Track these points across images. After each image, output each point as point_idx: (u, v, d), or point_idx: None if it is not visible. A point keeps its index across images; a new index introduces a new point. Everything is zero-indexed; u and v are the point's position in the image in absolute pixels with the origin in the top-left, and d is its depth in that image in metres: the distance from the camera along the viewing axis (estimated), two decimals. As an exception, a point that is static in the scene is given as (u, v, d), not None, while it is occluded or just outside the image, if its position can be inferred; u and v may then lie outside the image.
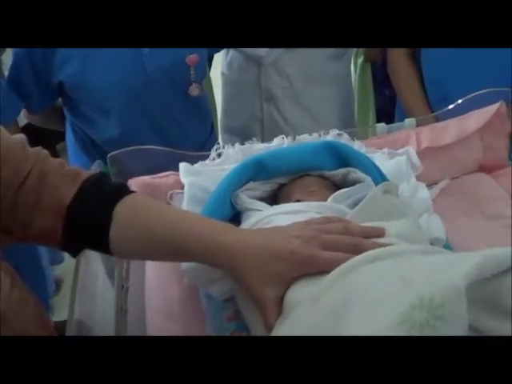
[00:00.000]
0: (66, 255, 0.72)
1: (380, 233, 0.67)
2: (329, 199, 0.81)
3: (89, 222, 0.68)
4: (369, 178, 0.84)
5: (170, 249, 0.69)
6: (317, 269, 0.62)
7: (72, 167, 0.71)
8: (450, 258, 0.61)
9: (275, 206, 0.82)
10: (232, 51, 1.55)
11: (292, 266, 0.63)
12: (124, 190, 0.71)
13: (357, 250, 0.63)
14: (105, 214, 0.68)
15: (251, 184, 0.87)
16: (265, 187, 0.88)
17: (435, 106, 1.32)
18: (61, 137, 1.70)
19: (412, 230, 0.71)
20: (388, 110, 1.78)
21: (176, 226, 0.68)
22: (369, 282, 0.57)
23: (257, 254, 0.64)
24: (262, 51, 1.45)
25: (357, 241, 0.65)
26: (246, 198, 0.84)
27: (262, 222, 0.77)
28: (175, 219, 0.70)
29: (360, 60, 1.80)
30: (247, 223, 0.79)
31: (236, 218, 0.86)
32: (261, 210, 0.81)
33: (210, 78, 1.77)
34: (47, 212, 0.67)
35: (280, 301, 0.63)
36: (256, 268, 0.63)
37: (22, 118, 1.47)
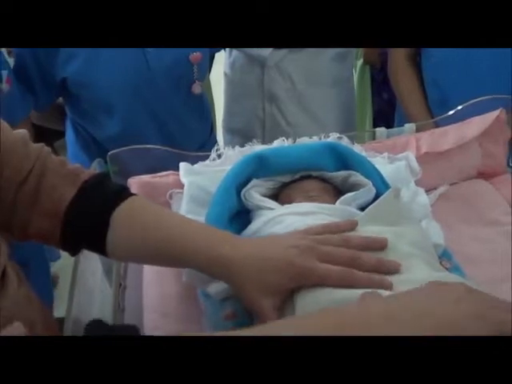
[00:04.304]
0: (63, 252, 0.72)
1: (381, 245, 0.66)
2: (337, 202, 0.82)
3: (86, 225, 0.68)
4: (370, 183, 0.84)
5: (166, 257, 0.69)
6: (312, 282, 0.61)
7: (73, 166, 0.71)
8: None
9: (286, 206, 0.82)
10: (235, 51, 1.55)
11: (289, 277, 0.62)
12: (124, 194, 0.71)
13: (354, 264, 0.62)
14: (102, 219, 0.68)
15: (255, 181, 0.86)
16: (268, 184, 0.88)
17: (435, 110, 1.32)
18: (59, 134, 1.70)
19: (422, 236, 0.72)
20: (386, 114, 1.79)
21: (173, 235, 0.68)
22: None
23: (254, 264, 0.63)
24: (265, 52, 1.45)
25: (354, 254, 0.63)
26: (257, 195, 0.84)
27: (273, 222, 0.77)
28: (172, 227, 0.69)
29: (359, 62, 1.81)
30: (258, 221, 0.79)
31: (243, 211, 0.86)
32: (272, 209, 0.81)
33: (208, 78, 1.76)
34: (45, 213, 0.67)
35: (277, 310, 0.63)
36: (253, 278, 0.63)
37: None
